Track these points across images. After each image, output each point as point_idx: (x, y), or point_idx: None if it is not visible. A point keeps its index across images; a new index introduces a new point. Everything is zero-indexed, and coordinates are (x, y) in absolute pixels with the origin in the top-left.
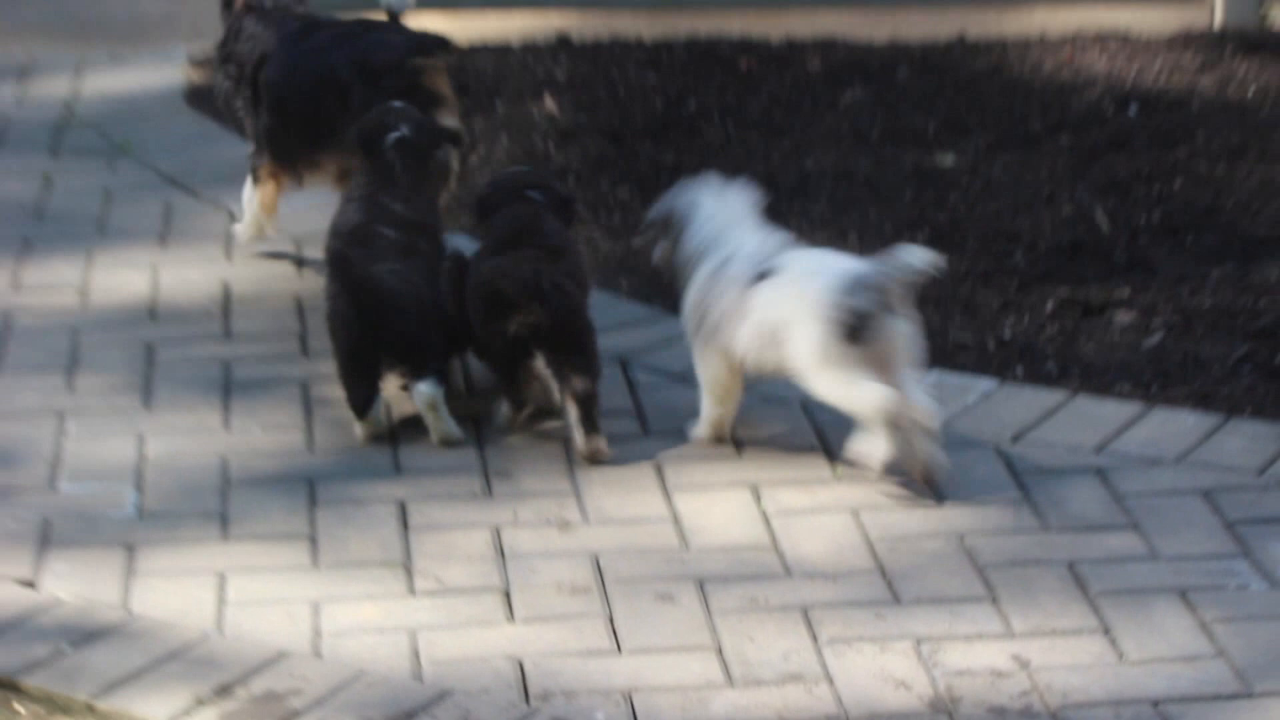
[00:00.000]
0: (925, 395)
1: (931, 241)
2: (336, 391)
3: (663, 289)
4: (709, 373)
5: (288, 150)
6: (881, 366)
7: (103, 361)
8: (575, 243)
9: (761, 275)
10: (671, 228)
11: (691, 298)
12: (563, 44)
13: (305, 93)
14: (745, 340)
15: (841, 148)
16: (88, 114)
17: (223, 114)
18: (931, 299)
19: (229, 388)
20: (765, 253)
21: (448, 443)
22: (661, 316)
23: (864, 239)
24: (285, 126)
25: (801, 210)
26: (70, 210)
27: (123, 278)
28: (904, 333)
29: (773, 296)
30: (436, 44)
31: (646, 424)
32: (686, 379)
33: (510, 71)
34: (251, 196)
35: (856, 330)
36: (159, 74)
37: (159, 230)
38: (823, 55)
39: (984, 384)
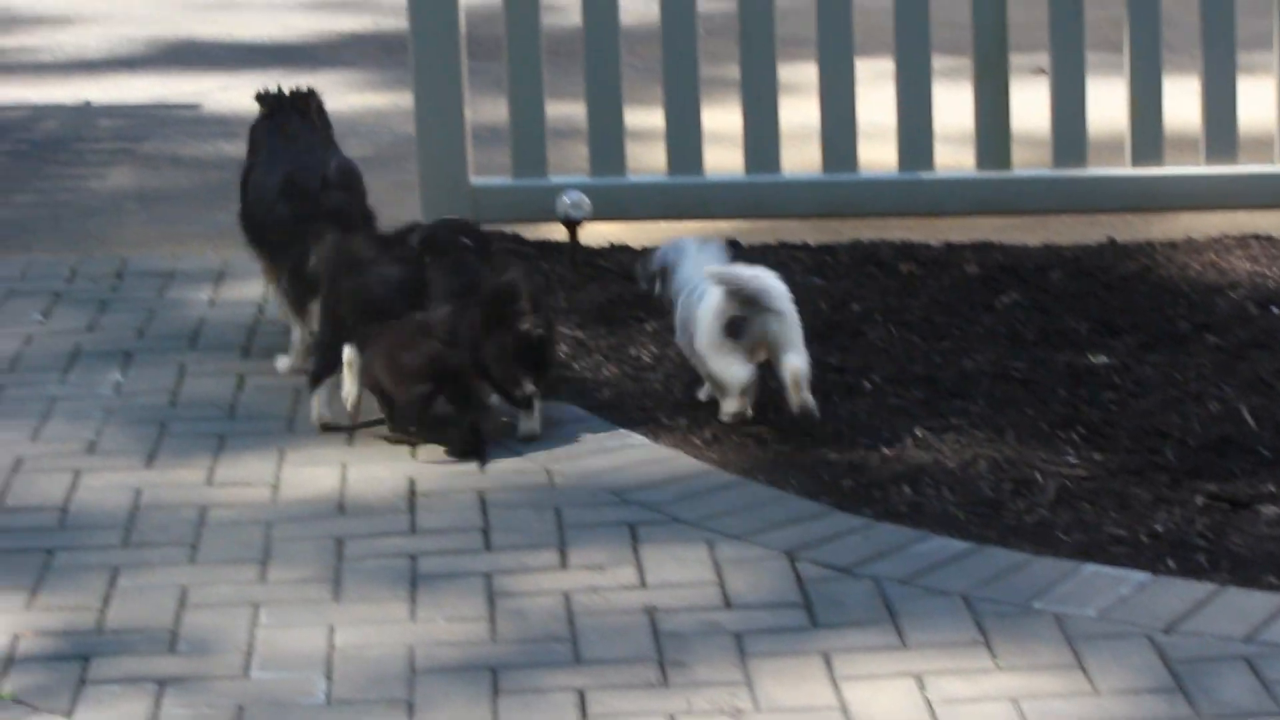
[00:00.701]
0: (798, 360)
1: (1086, 439)
2: (519, 583)
3: (831, 486)
4: (705, 369)
5: None
6: (754, 353)
7: (294, 554)
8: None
9: (700, 293)
10: (664, 272)
11: (677, 320)
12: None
13: None
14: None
15: (998, 348)
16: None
17: None
18: (1086, 494)
19: (415, 580)
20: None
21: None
22: (828, 512)
23: (1020, 436)
24: None
25: (961, 409)
26: (262, 409)
27: (312, 474)
28: (774, 328)
29: (696, 306)
30: None
31: (814, 616)
32: (853, 571)
33: None
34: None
35: (733, 328)
36: None
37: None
38: (979, 259)
39: (1137, 576)
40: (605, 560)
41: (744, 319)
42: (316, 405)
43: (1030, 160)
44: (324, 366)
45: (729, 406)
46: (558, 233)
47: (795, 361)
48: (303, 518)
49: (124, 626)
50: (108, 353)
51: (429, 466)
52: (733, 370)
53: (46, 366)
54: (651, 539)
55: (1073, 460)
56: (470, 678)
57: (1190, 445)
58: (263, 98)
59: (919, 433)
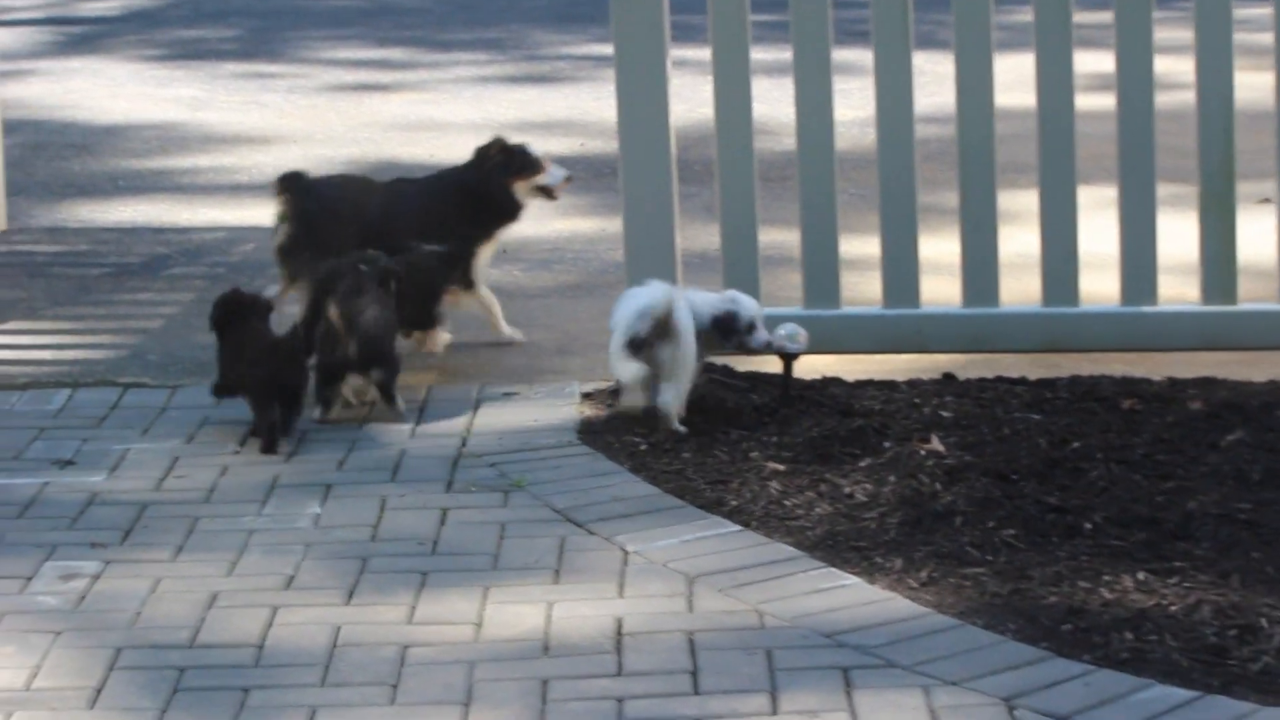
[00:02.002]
0: (668, 395)
1: None
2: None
3: (1050, 631)
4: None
5: None
6: (650, 363)
7: (497, 695)
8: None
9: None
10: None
11: None
12: (948, 381)
13: None
14: None
15: (1224, 488)
16: (482, 448)
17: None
18: None
19: None
20: None
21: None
22: (1047, 657)
23: (1246, 581)
24: None
25: (1184, 552)
26: (465, 544)
27: (516, 612)
28: (663, 357)
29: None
30: None
31: None
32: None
33: (897, 409)
34: None
35: (634, 346)
36: (552, 410)
37: (553, 566)
38: (1204, 395)
39: None
40: (817, 706)
41: (645, 341)
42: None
43: (1257, 293)
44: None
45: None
46: (770, 364)
47: (665, 396)
48: (506, 658)
49: None
50: (307, 484)
51: (638, 604)
52: (625, 370)
53: (243, 498)
54: (865, 684)
55: None
56: None
57: None
58: None
59: (1141, 576)
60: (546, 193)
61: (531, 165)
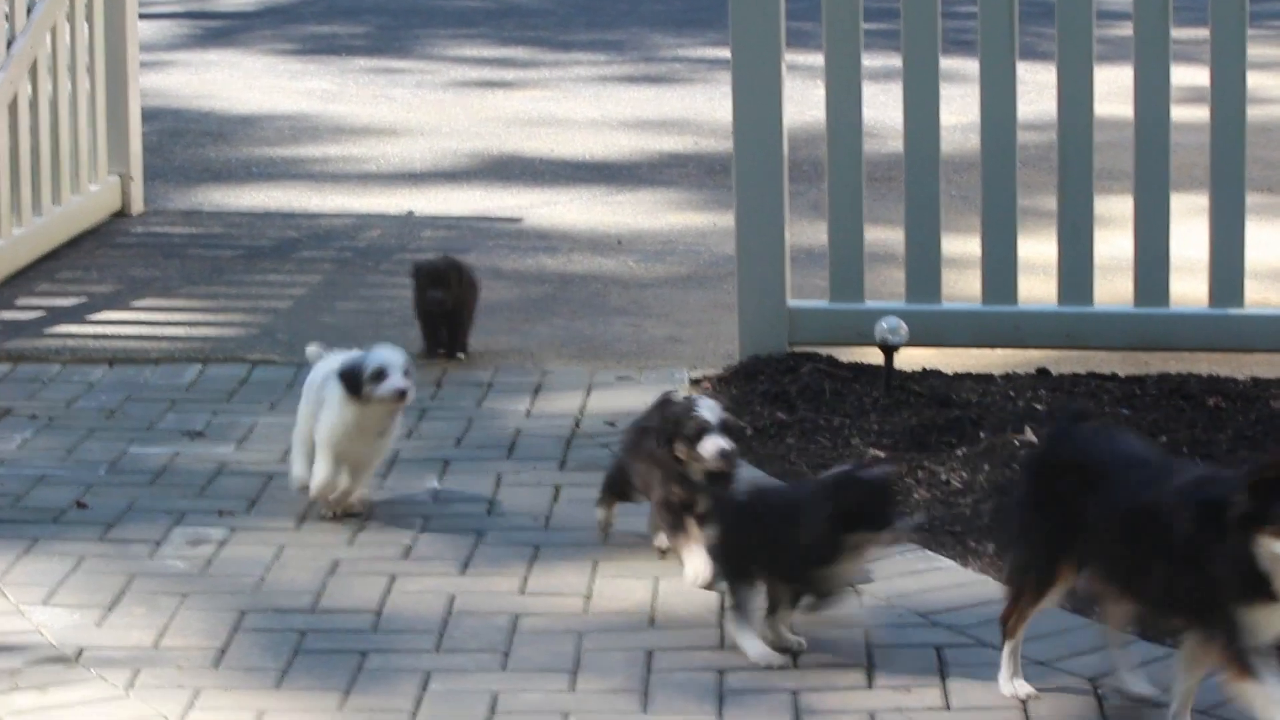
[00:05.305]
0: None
1: None
2: (825, 701)
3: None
4: None
5: None
6: None
7: (604, 665)
8: None
9: None
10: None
11: None
12: (1042, 375)
13: None
14: None
15: None
16: (594, 429)
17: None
18: None
19: (722, 695)
20: None
21: None
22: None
23: None
24: None
25: None
26: (576, 520)
27: (625, 586)
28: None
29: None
30: None
31: None
32: (1155, 700)
33: (993, 401)
34: None
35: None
36: (661, 393)
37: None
38: None
39: None
40: (911, 682)
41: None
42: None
43: None
44: None
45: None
46: (871, 356)
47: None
48: (614, 629)
49: None
50: (426, 459)
51: None
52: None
53: None
54: (957, 662)
55: None
56: None
57: None
58: None
59: None
60: None
61: None
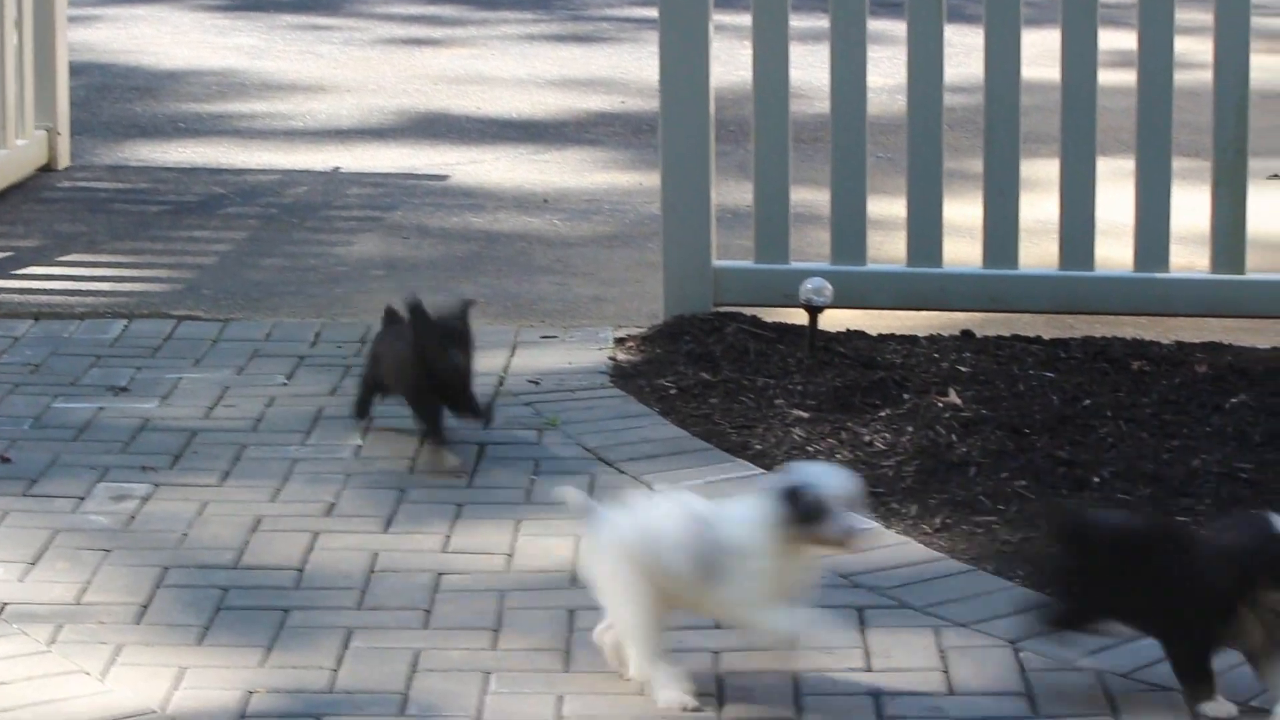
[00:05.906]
0: None
1: None
2: (748, 661)
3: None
4: None
5: None
6: None
7: (526, 623)
8: None
9: None
10: None
11: None
12: (966, 338)
13: None
14: None
15: (1226, 448)
16: (518, 388)
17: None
18: None
19: None
20: None
21: None
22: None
23: None
24: None
25: (1187, 508)
26: (500, 479)
27: (546, 545)
28: None
29: None
30: None
31: (1037, 707)
32: (1075, 663)
33: (917, 363)
34: None
35: None
36: (586, 353)
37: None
38: (1210, 360)
39: None
40: (833, 643)
41: None
42: None
43: (1263, 264)
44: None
45: None
46: (796, 317)
47: None
48: (536, 587)
49: (355, 688)
50: (349, 417)
51: None
52: None
53: (288, 428)
54: (879, 623)
55: None
56: None
57: None
58: None
59: None
60: None
61: None
